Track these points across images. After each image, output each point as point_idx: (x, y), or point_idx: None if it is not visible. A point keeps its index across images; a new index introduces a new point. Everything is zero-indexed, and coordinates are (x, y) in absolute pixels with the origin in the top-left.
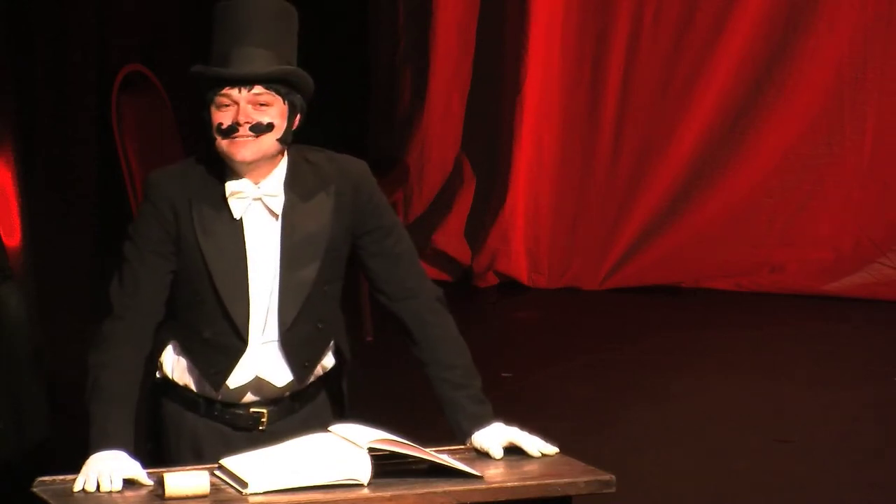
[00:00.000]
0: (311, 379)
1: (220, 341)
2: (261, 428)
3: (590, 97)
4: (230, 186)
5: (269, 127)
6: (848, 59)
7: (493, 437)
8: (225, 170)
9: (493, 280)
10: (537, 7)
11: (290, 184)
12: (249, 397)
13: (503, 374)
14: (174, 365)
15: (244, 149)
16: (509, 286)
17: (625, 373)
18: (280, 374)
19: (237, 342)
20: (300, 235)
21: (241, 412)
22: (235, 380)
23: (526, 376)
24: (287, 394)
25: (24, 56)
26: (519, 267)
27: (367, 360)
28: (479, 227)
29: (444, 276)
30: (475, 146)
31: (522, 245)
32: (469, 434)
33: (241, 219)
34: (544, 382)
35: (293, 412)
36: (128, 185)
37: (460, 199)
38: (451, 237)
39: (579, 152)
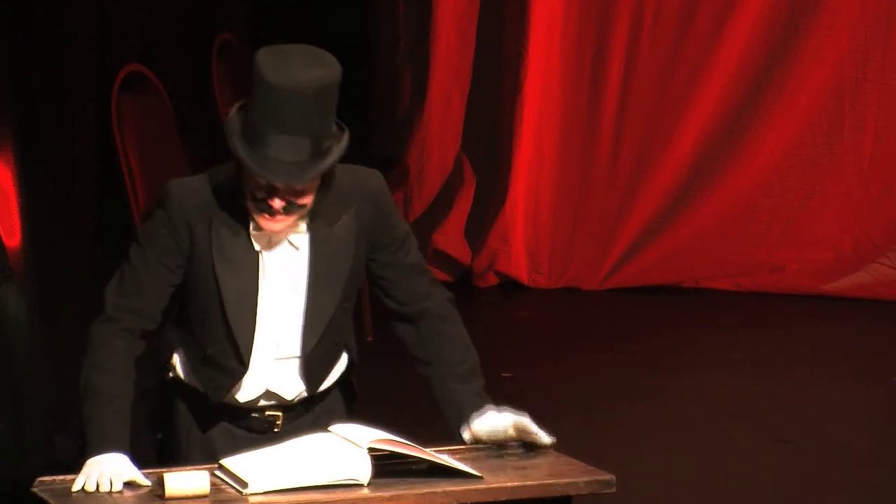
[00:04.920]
0: (324, 385)
1: (220, 361)
2: (276, 430)
3: (590, 97)
4: (255, 224)
5: (303, 206)
6: (848, 59)
7: (500, 418)
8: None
9: (493, 280)
10: (537, 7)
11: (315, 211)
12: (262, 402)
13: (503, 374)
14: (185, 368)
15: (274, 224)
16: (509, 286)
17: (625, 373)
18: (291, 388)
19: (237, 365)
20: (326, 261)
21: (256, 415)
22: (245, 394)
23: (526, 376)
24: (298, 400)
25: (24, 56)
26: (519, 267)
27: (367, 359)
28: (479, 227)
29: (444, 276)
30: (475, 146)
31: (522, 245)
32: (469, 421)
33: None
34: (544, 382)
35: (307, 412)
36: (128, 184)
37: (460, 199)
38: (451, 237)
39: (579, 152)
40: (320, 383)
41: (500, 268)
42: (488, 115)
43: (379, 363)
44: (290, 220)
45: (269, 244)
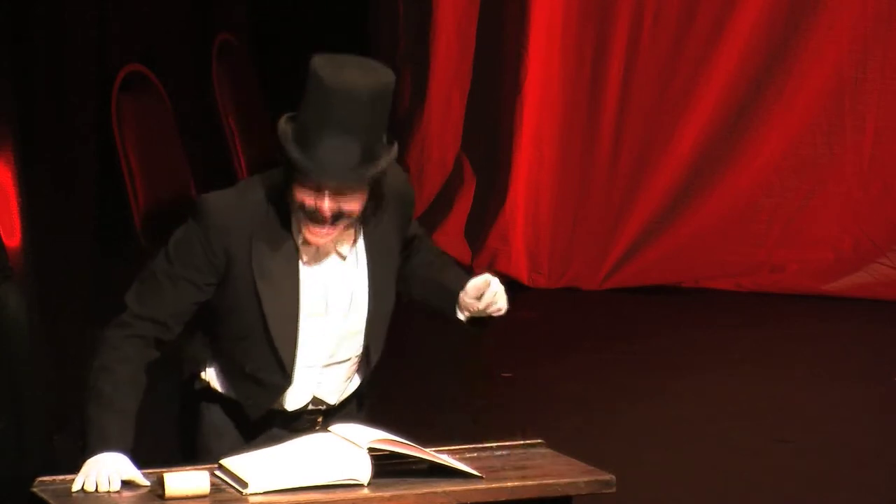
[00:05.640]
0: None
1: (261, 377)
2: (317, 428)
3: (590, 97)
4: (303, 237)
5: (350, 215)
6: (848, 59)
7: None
8: (290, 206)
9: None
10: (537, 7)
11: (362, 219)
12: (310, 408)
13: (503, 374)
14: (221, 381)
15: (321, 237)
16: (509, 286)
17: (625, 373)
18: (336, 392)
19: (280, 380)
20: (381, 266)
21: (297, 416)
22: (292, 403)
23: (526, 376)
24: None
25: (24, 56)
26: (519, 267)
27: None
28: (479, 227)
29: None
30: (475, 146)
31: (522, 245)
32: (458, 291)
33: (299, 257)
34: (544, 382)
35: (343, 408)
36: (128, 185)
37: (460, 199)
38: (451, 237)
39: (579, 152)
40: (367, 377)
41: (500, 268)
42: (488, 115)
43: (379, 363)
44: (337, 231)
45: (317, 255)
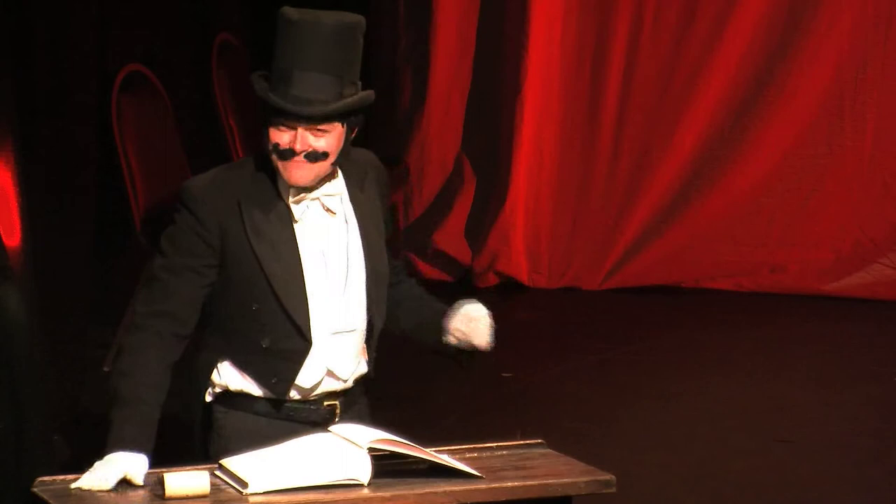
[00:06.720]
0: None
1: (281, 347)
2: (336, 421)
3: (590, 97)
4: (293, 192)
5: (325, 155)
6: (848, 59)
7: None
8: (276, 172)
9: (493, 280)
10: (537, 7)
11: (346, 179)
12: (319, 391)
13: (503, 374)
14: (234, 378)
15: (298, 173)
16: (509, 286)
17: (625, 373)
18: (348, 366)
19: (301, 343)
20: (372, 226)
21: (314, 408)
22: (307, 378)
23: (526, 376)
24: (352, 383)
25: (24, 56)
26: (519, 267)
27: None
28: (479, 227)
29: (444, 277)
30: (475, 146)
31: (522, 245)
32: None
33: (292, 218)
34: (544, 382)
35: (358, 397)
36: (128, 185)
37: (460, 199)
38: (451, 237)
39: (579, 152)
40: (372, 356)
41: (500, 268)
42: (488, 115)
43: (378, 362)
44: (312, 168)
45: (308, 212)
